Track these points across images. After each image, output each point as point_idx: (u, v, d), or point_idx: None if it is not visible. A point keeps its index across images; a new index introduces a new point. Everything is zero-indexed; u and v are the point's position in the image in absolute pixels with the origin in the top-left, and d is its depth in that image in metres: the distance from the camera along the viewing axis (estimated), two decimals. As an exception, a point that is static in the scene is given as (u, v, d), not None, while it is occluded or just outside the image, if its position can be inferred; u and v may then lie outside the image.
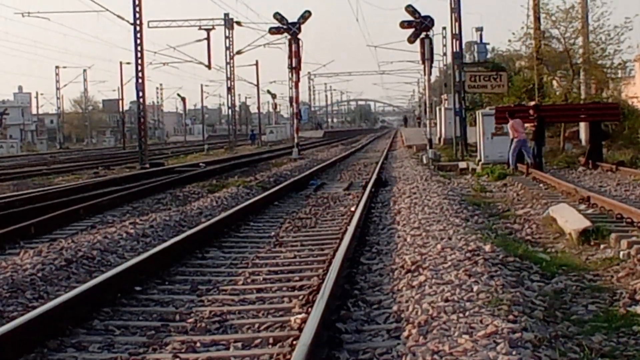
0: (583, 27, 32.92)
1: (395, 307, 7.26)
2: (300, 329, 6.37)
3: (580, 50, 33.56)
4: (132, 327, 7.15)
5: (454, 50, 36.64)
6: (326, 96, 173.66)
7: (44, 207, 16.44)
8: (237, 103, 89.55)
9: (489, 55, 55.81)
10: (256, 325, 7.04)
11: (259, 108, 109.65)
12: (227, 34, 62.87)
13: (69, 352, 6.36)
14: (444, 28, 53.36)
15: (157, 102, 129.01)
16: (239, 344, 6.45)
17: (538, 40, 33.42)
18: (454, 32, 36.28)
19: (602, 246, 10.52)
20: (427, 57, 34.15)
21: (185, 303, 8.01)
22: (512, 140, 24.88)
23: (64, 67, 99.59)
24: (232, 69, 64.88)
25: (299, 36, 39.84)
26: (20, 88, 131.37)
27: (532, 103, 28.44)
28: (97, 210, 16.33)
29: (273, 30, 41.09)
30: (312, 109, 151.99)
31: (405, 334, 6.31)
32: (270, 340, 6.50)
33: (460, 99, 36.31)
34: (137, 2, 36.76)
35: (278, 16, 39.53)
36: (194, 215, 14.85)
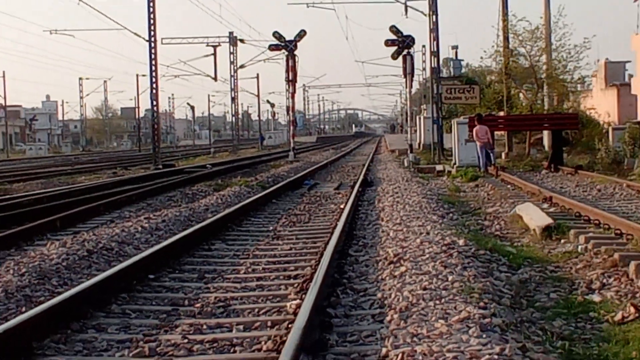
0: (546, 46, 32.99)
1: (379, 295, 7.26)
2: (295, 314, 6.37)
3: (544, 67, 33.62)
4: (146, 310, 7.15)
5: (433, 65, 36.71)
6: (319, 105, 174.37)
7: (68, 203, 16.43)
8: (240, 111, 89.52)
9: (463, 70, 55.75)
10: (256, 310, 7.04)
11: (259, 116, 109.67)
12: (231, 50, 62.85)
13: (90, 333, 6.35)
14: (424, 46, 53.28)
15: (169, 110, 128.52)
16: (241, 327, 6.45)
17: (507, 58, 33.44)
18: (432, 49, 36.32)
19: (562, 241, 10.55)
20: (409, 71, 34.20)
21: (193, 290, 8.01)
22: (481, 144, 24.99)
23: (87, 79, 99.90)
24: (235, 81, 64.96)
25: (295, 52, 39.82)
26: (47, 97, 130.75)
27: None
28: (116, 206, 16.33)
29: (272, 47, 41.09)
30: (307, 117, 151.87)
31: (388, 318, 6.31)
32: (269, 324, 6.49)
33: (437, 109, 36.44)
34: (152, 22, 36.70)
35: (277, 35, 39.53)
36: (201, 212, 14.84)
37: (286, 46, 39.52)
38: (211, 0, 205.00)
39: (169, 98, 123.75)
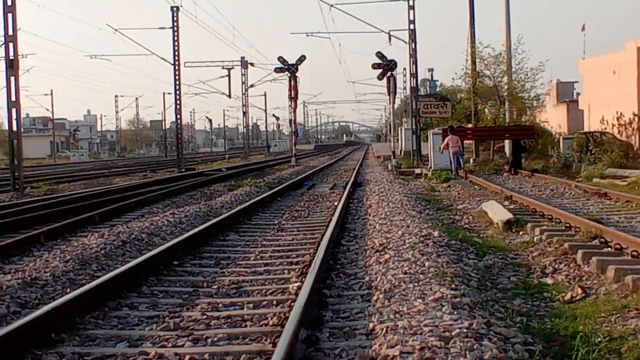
0: (507, 69, 33.00)
1: (367, 278, 7.27)
2: (296, 294, 6.37)
3: (505, 86, 33.65)
4: (171, 291, 7.15)
5: (412, 85, 36.69)
6: (316, 118, 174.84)
7: (105, 200, 16.43)
8: (250, 124, 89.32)
9: (437, 89, 55.74)
10: (263, 291, 7.04)
11: (266, 127, 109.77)
12: (242, 72, 62.81)
13: (124, 311, 6.35)
14: (405, 68, 53.05)
15: (191, 122, 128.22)
16: (251, 305, 6.45)
17: (474, 79, 33.48)
18: (411, 72, 36.35)
19: (521, 233, 10.58)
20: (392, 90, 34.13)
21: (210, 274, 8.01)
22: (453, 151, 25.02)
23: (122, 96, 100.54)
24: (246, 98, 64.78)
25: (297, 74, 39.84)
26: (88, 111, 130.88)
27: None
28: (145, 204, 16.32)
29: (277, 70, 41.08)
30: (306, 128, 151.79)
31: (375, 298, 6.31)
32: (274, 302, 6.50)
33: (416, 122, 36.42)
34: (176, 48, 36.70)
35: (281, 59, 39.52)
36: (217, 208, 14.82)
37: (289, 69, 39.52)
38: (226, 30, 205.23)
39: (191, 112, 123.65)
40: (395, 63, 33.44)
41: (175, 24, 36.48)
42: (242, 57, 62.13)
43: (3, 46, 21.09)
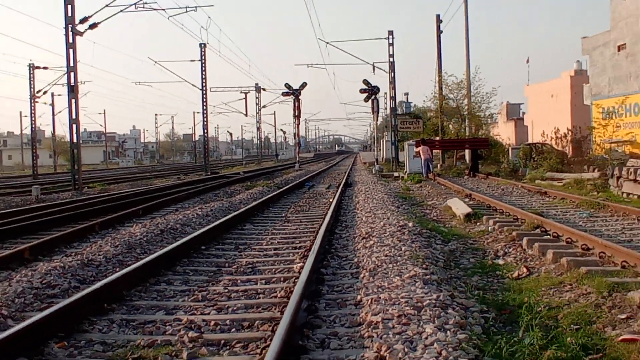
0: (467, 93, 32.94)
1: (355, 259, 7.26)
2: (299, 272, 6.37)
3: (466, 107, 33.62)
4: (199, 270, 7.14)
5: (391, 106, 36.64)
6: (315, 132, 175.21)
7: (147, 198, 16.41)
8: (262, 137, 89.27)
9: (411, 109, 55.65)
10: (273, 270, 7.03)
11: (275, 139, 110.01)
12: (256, 96, 62.77)
13: (162, 286, 6.34)
14: (385, 92, 53.23)
15: (215, 135, 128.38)
16: (263, 281, 6.44)
17: (441, 101, 33.42)
18: (391, 95, 36.24)
19: (478, 223, 10.58)
20: (375, 110, 34.15)
21: (231, 256, 7.99)
22: (424, 159, 25.05)
23: (160, 114, 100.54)
24: (259, 116, 64.85)
25: (299, 97, 39.78)
26: (133, 127, 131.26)
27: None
28: (179, 200, 16.30)
29: (284, 94, 40.93)
30: (307, 140, 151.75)
31: (362, 275, 6.31)
32: (282, 279, 6.49)
33: (394, 135, 36.40)
34: (203, 77, 36.65)
35: (287, 85, 39.44)
36: (236, 203, 14.80)
37: (293, 93, 39.45)
38: (243, 62, 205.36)
39: (215, 127, 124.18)
40: (378, 88, 33.44)
41: (203, 57, 36.36)
42: (256, 84, 62.27)
43: (66, 75, 21.03)
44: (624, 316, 4.85)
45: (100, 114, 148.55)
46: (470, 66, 33.30)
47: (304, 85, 39.76)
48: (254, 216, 12.42)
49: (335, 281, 6.30)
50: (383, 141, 52.16)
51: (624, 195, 14.13)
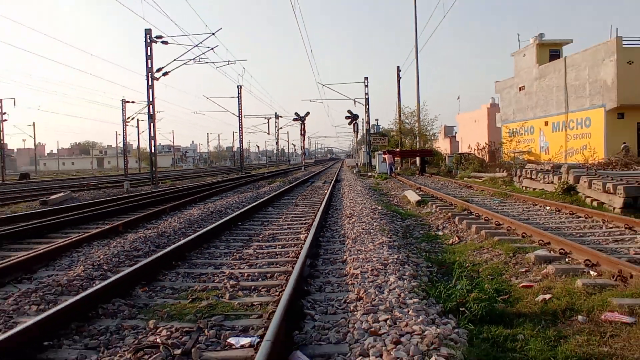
0: (418, 119, 32.93)
1: (342, 231, 7.22)
2: (304, 240, 6.35)
3: (417, 128, 33.61)
4: (237, 239, 7.08)
5: (367, 128, 36.56)
6: (315, 145, 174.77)
7: (202, 189, 16.30)
8: (279, 148, 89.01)
9: (380, 129, 55.57)
10: (287, 238, 6.97)
11: (288, 150, 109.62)
12: (275, 121, 62.31)
13: (211, 249, 6.29)
14: (363, 119, 53.11)
15: (248, 147, 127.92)
16: (280, 246, 6.41)
17: (400, 124, 33.42)
18: (367, 120, 36.13)
19: (425, 207, 10.53)
20: (356, 130, 34.20)
21: (258, 229, 7.92)
22: (388, 163, 24.98)
23: (210, 133, 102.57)
24: (277, 134, 64.47)
25: (305, 122, 39.75)
26: (192, 141, 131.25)
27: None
28: (224, 191, 16.18)
29: (294, 119, 40.91)
30: (310, 150, 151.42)
31: (347, 242, 6.28)
32: (293, 245, 6.45)
33: (369, 147, 36.30)
34: (240, 107, 36.56)
35: (296, 114, 39.50)
36: (262, 193, 14.71)
37: (300, 119, 39.42)
38: (266, 97, 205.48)
39: (248, 142, 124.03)
40: (358, 116, 33.51)
41: (239, 95, 36.21)
42: (275, 113, 61.75)
43: (147, 107, 20.95)
44: (523, 270, 4.86)
45: (169, 132, 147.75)
46: (420, 100, 33.16)
47: (307, 114, 39.73)
48: (274, 202, 12.34)
49: (328, 246, 6.27)
50: (361, 151, 51.85)
51: (524, 188, 14.12)
